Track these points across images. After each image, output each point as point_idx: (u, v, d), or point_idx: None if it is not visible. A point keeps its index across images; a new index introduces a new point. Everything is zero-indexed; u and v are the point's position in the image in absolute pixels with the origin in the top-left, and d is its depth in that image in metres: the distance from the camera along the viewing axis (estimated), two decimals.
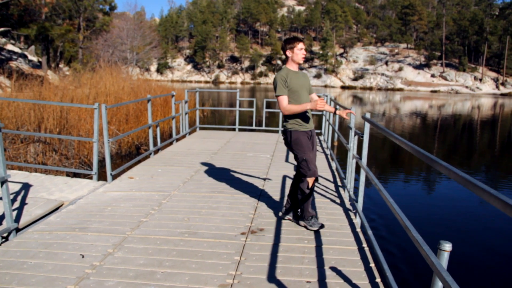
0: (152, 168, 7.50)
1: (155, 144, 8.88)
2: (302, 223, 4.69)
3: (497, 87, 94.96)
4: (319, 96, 4.79)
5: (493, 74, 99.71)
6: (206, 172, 7.25)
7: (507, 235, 7.16)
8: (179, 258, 3.79)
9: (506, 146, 18.60)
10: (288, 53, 4.42)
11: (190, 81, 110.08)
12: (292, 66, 4.48)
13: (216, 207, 5.29)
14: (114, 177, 6.73)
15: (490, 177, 11.88)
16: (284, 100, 4.37)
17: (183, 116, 10.87)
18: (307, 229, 4.59)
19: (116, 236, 4.25)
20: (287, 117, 4.48)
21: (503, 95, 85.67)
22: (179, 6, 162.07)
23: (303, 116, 4.46)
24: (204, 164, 7.88)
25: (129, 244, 4.08)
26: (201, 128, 12.98)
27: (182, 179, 6.69)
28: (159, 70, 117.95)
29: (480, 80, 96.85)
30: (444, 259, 2.36)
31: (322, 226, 4.58)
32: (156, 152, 8.87)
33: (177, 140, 10.45)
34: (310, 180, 4.49)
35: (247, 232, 4.48)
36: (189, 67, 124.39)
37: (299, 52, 4.39)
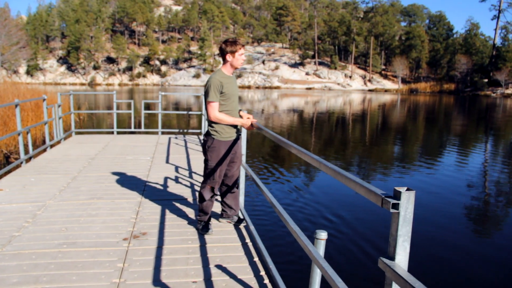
0: (24, 177, 7.01)
1: (26, 151, 8.31)
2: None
3: (365, 83, 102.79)
4: (240, 110, 4.65)
5: (361, 72, 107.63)
6: (84, 178, 6.95)
7: (374, 220, 7.79)
8: (58, 272, 3.59)
9: (375, 137, 20.12)
10: (228, 57, 4.25)
11: (65, 84, 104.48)
12: (227, 71, 4.33)
13: (96, 214, 5.09)
14: None
15: (362, 166, 12.78)
16: (215, 107, 4.23)
17: (56, 120, 10.30)
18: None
19: None
20: (212, 123, 4.34)
21: (370, 90, 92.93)
22: (48, 3, 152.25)
23: (229, 125, 4.38)
24: (81, 170, 7.54)
25: None
26: (77, 133, 12.38)
27: (58, 188, 6.35)
28: (29, 72, 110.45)
29: (350, 77, 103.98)
30: (321, 247, 2.51)
31: (206, 231, 4.52)
32: (28, 160, 8.32)
33: (52, 146, 9.88)
34: (209, 187, 4.48)
35: (130, 237, 4.38)
36: (62, 68, 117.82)
37: (239, 57, 4.26)
